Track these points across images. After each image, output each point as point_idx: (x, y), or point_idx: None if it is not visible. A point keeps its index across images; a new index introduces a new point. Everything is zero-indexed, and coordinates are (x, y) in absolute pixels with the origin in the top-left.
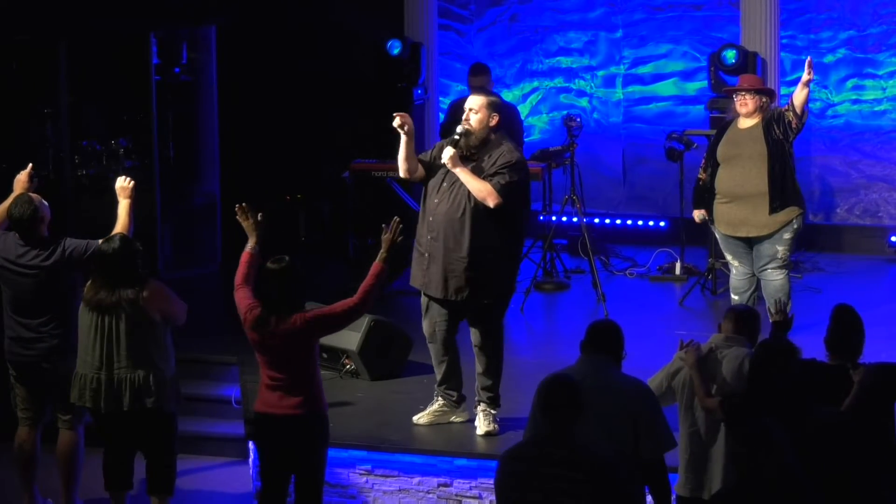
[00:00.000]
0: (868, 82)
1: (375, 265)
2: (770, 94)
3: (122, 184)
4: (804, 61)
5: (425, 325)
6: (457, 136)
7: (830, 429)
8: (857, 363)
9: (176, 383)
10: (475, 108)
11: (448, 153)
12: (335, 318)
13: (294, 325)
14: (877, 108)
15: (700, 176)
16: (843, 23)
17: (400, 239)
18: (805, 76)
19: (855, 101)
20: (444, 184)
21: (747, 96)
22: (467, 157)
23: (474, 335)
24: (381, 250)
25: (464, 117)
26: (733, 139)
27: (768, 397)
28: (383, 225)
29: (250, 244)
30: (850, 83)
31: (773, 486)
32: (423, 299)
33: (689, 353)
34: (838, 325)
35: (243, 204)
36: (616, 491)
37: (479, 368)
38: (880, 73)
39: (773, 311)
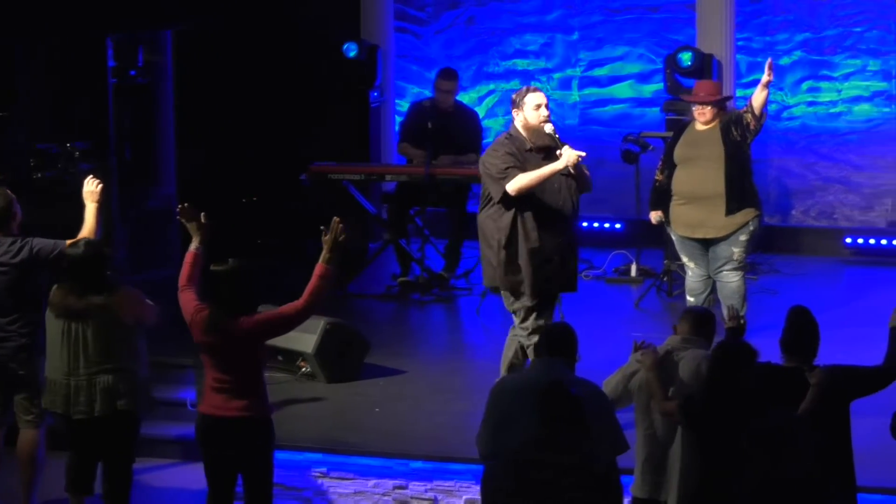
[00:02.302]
0: (824, 84)
1: (319, 266)
2: (725, 101)
3: (90, 187)
4: (761, 63)
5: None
6: (557, 136)
7: (787, 431)
8: (813, 365)
9: (148, 386)
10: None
11: (572, 155)
12: (281, 320)
13: (241, 328)
14: (832, 110)
15: (657, 177)
16: (799, 25)
17: (342, 238)
18: (765, 77)
19: (811, 104)
20: (555, 185)
21: (706, 106)
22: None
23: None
24: (324, 251)
25: (546, 114)
26: (691, 141)
27: (727, 399)
28: (322, 227)
29: (194, 244)
30: (805, 85)
31: (794, 486)
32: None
33: (646, 355)
34: (793, 326)
35: (186, 204)
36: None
37: None
38: (836, 74)
39: (726, 317)
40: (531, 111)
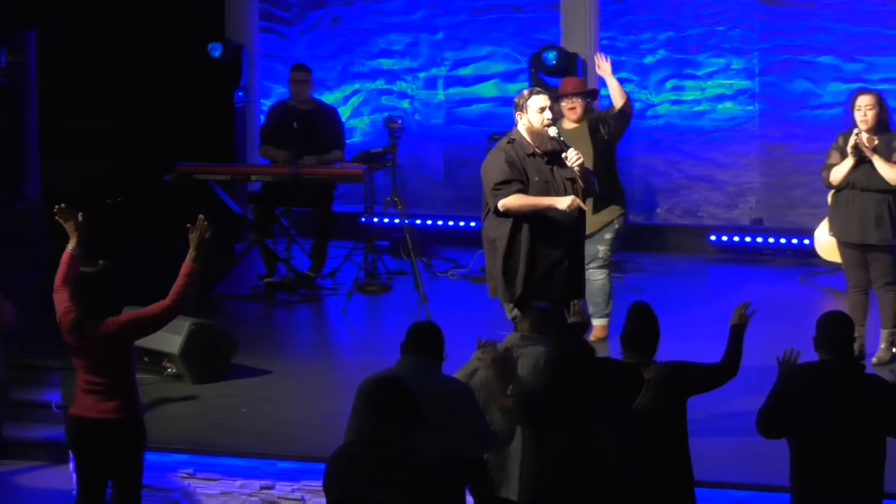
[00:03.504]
0: (688, 83)
1: (185, 265)
2: (594, 94)
3: None
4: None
5: None
6: (562, 139)
7: (624, 426)
8: (651, 361)
9: (6, 388)
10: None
11: (571, 202)
12: (149, 320)
13: (108, 329)
14: (696, 109)
15: None
16: (662, 24)
17: (208, 236)
18: (599, 71)
19: (675, 102)
20: (561, 189)
21: (576, 101)
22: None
23: None
24: (190, 250)
25: (550, 117)
26: None
27: (564, 396)
28: (188, 225)
29: (71, 245)
30: (669, 84)
31: (632, 481)
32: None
33: (485, 352)
34: (633, 322)
35: (63, 205)
36: (443, 492)
37: None
38: (699, 73)
39: (570, 312)
40: (535, 114)
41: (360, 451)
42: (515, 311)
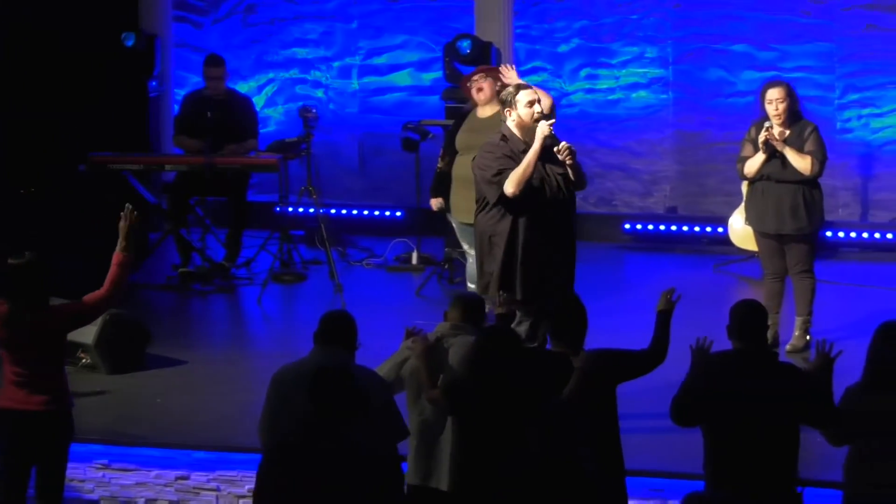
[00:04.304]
0: (602, 71)
1: (117, 255)
2: (495, 71)
3: None
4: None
5: None
6: (553, 132)
7: (553, 415)
8: (580, 349)
9: None
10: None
11: (544, 127)
12: (86, 310)
13: (43, 321)
14: (611, 97)
15: (439, 164)
16: (576, 12)
17: (136, 225)
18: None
19: (589, 91)
20: (553, 182)
21: (482, 81)
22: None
23: None
24: (119, 239)
25: (539, 110)
26: (472, 127)
27: (492, 386)
28: (122, 213)
29: None
30: (584, 72)
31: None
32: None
33: (416, 342)
34: (561, 311)
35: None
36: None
37: None
38: (614, 62)
39: (496, 302)
40: (524, 108)
41: (299, 444)
42: (503, 309)
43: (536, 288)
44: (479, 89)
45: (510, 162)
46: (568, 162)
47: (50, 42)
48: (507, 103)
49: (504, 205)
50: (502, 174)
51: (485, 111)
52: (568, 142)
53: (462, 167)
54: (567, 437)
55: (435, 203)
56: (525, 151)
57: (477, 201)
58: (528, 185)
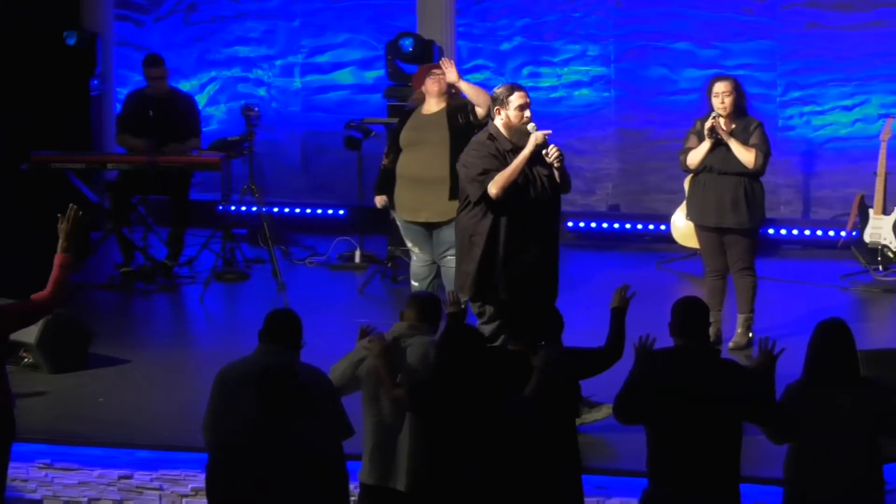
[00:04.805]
0: (544, 69)
1: (58, 256)
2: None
3: None
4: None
5: None
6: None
7: (513, 415)
8: (538, 348)
9: None
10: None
11: (538, 135)
12: (29, 311)
13: None
14: (553, 95)
15: (383, 162)
16: (519, 11)
17: (77, 225)
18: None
19: (532, 89)
20: (538, 184)
21: (441, 76)
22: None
23: None
24: (61, 240)
25: (529, 115)
26: (417, 125)
27: (454, 385)
28: (59, 215)
29: None
30: (526, 70)
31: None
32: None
33: (373, 342)
34: (520, 312)
35: None
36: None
37: None
38: (556, 60)
39: (447, 302)
40: (515, 111)
41: (245, 444)
42: (484, 308)
43: (516, 288)
44: (435, 81)
45: (495, 161)
46: (556, 165)
47: None
48: (498, 101)
49: (486, 204)
50: (487, 174)
51: (430, 108)
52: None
53: (406, 165)
54: (527, 436)
55: (379, 200)
56: (512, 151)
57: (459, 199)
58: (512, 187)
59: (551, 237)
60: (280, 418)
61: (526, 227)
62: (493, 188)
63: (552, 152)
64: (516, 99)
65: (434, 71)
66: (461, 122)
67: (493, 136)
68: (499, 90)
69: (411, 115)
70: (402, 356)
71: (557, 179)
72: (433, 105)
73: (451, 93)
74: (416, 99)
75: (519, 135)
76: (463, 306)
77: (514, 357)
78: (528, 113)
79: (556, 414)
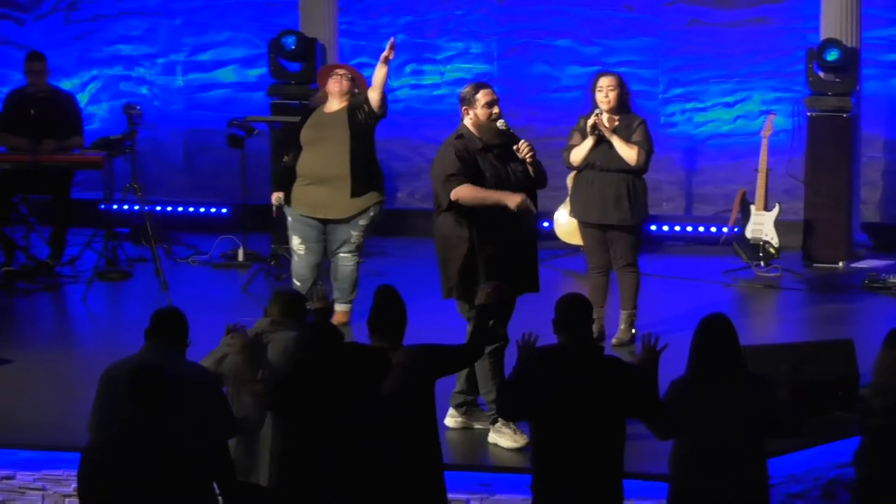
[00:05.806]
0: (427, 67)
1: None
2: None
3: None
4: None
5: None
6: (511, 130)
7: (372, 411)
8: (399, 344)
9: None
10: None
11: (518, 201)
12: None
13: None
14: (436, 93)
15: (285, 159)
16: (401, 8)
17: None
18: (386, 54)
19: (414, 86)
20: (512, 181)
21: (344, 76)
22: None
23: None
24: None
25: (497, 112)
26: (318, 122)
27: (312, 381)
28: None
29: None
30: (409, 68)
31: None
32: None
33: (234, 338)
34: (380, 306)
35: None
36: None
37: None
38: (438, 57)
39: (313, 298)
40: (483, 109)
41: (116, 441)
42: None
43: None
44: (336, 81)
45: (459, 164)
46: (528, 160)
47: None
48: (466, 101)
49: (460, 207)
50: (455, 178)
51: (332, 106)
52: (392, 137)
53: (306, 162)
54: (385, 433)
55: (275, 197)
56: (483, 150)
57: (433, 204)
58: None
59: (529, 232)
60: (151, 417)
61: (505, 224)
62: (455, 195)
63: (523, 148)
64: (483, 97)
65: (336, 71)
66: (360, 118)
67: (462, 136)
68: (465, 90)
69: (313, 113)
70: (264, 352)
71: (532, 174)
72: (335, 104)
73: (354, 93)
74: (319, 98)
75: (489, 132)
76: (330, 302)
77: (373, 354)
78: (496, 109)
79: (415, 411)
